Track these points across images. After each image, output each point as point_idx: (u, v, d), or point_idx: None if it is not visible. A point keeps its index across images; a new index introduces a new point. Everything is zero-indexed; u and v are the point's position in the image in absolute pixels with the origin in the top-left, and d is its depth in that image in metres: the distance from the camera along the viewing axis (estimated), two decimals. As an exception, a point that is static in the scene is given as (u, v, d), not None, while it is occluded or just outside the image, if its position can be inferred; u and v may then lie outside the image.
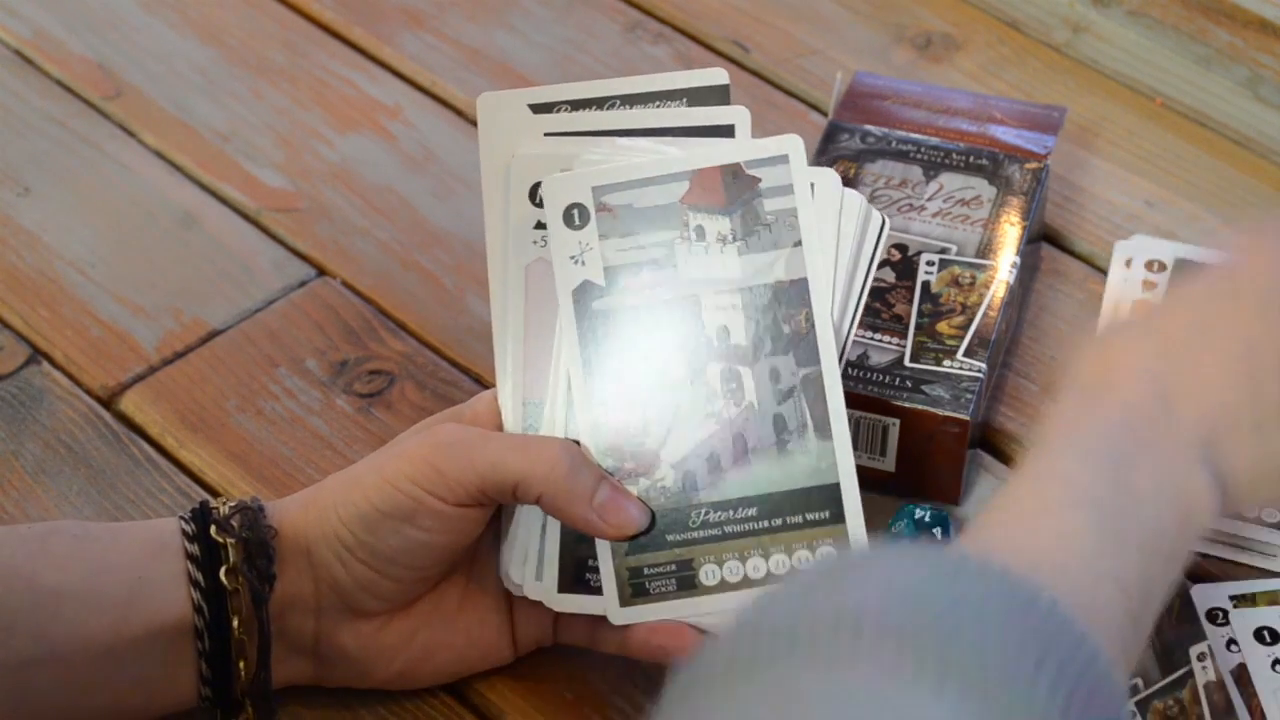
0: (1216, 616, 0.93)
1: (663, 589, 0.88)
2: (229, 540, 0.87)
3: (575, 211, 0.89)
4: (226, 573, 0.86)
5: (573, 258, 0.89)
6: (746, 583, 0.87)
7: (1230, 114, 1.21)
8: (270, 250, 1.14)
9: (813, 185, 0.89)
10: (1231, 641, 0.92)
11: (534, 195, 0.90)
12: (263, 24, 1.28)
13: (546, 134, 0.91)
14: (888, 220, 0.91)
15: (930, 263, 1.05)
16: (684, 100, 0.91)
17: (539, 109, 0.91)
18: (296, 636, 0.88)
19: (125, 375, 1.07)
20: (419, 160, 1.19)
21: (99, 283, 1.12)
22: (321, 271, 1.13)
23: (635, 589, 0.88)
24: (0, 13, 1.27)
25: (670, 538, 0.87)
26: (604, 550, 0.88)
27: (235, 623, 0.86)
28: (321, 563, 0.87)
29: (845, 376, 0.99)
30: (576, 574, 0.89)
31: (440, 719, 0.92)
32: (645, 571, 0.88)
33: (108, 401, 1.06)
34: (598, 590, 0.88)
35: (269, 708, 0.88)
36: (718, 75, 0.92)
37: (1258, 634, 0.92)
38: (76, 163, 1.18)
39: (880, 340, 1.01)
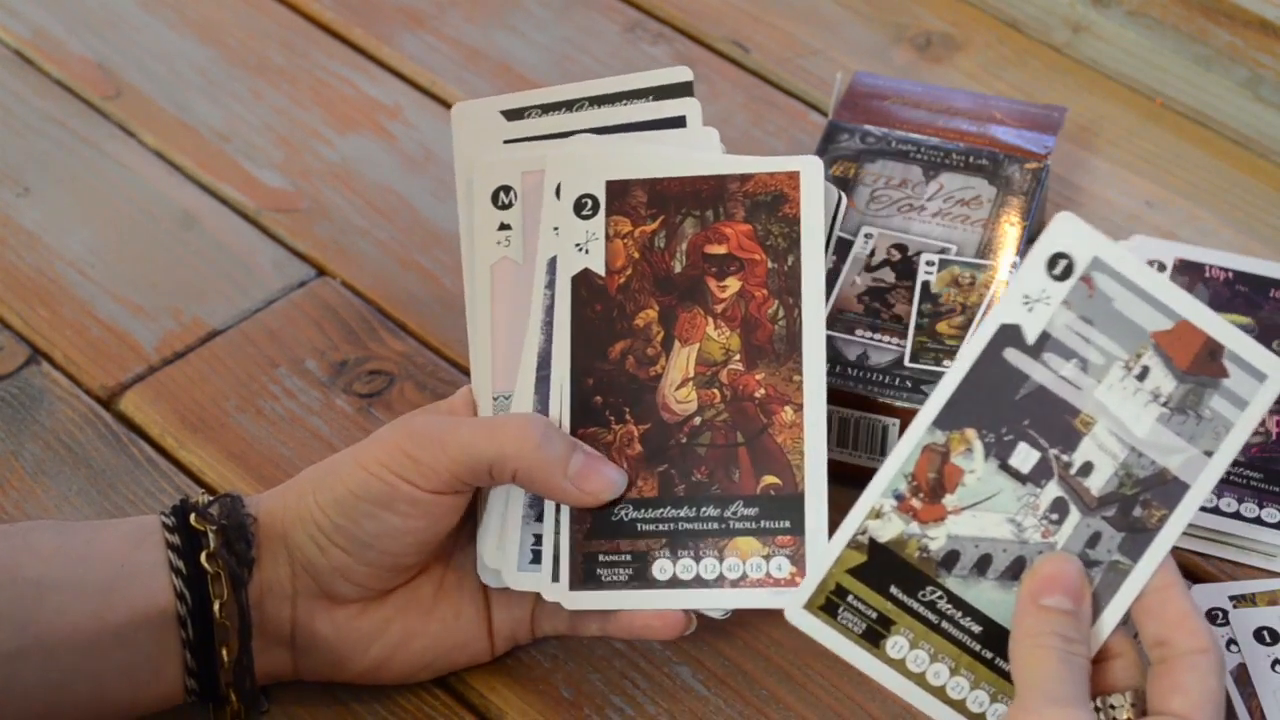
0: (1216, 616, 0.93)
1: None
2: (208, 527, 0.87)
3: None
4: (207, 557, 0.87)
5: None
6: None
7: (1230, 114, 1.21)
8: (270, 250, 1.14)
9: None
10: (1231, 642, 0.92)
11: (496, 199, 0.92)
12: (262, 24, 1.28)
13: (505, 140, 0.93)
14: (844, 197, 0.92)
15: (930, 263, 1.05)
16: (651, 98, 0.93)
17: (511, 115, 0.93)
18: (274, 625, 0.89)
19: (125, 375, 1.07)
20: (419, 160, 1.19)
21: (99, 283, 1.12)
22: (321, 271, 1.13)
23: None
24: (0, 13, 1.27)
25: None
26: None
27: (217, 607, 0.86)
28: (298, 546, 0.88)
29: (845, 376, 1.00)
30: (536, 555, 0.89)
31: (440, 718, 0.92)
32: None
33: (108, 402, 1.06)
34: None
35: (253, 695, 0.88)
36: (682, 73, 0.93)
37: (1257, 634, 0.92)
38: (76, 163, 1.18)
39: (880, 340, 1.01)
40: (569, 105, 0.93)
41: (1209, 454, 0.81)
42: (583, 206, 0.90)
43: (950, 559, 0.83)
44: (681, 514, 0.88)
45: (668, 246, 0.90)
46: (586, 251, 0.89)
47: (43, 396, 1.06)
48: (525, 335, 0.90)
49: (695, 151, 0.92)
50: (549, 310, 0.90)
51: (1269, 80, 1.21)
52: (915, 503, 0.83)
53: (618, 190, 0.90)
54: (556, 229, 0.90)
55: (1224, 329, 0.81)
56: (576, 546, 0.88)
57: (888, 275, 1.04)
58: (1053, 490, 0.82)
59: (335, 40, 1.27)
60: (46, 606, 0.85)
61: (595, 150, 0.91)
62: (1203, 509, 0.99)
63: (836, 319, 1.02)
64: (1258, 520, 0.99)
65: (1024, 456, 0.82)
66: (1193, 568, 0.99)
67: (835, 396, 0.99)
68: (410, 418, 0.90)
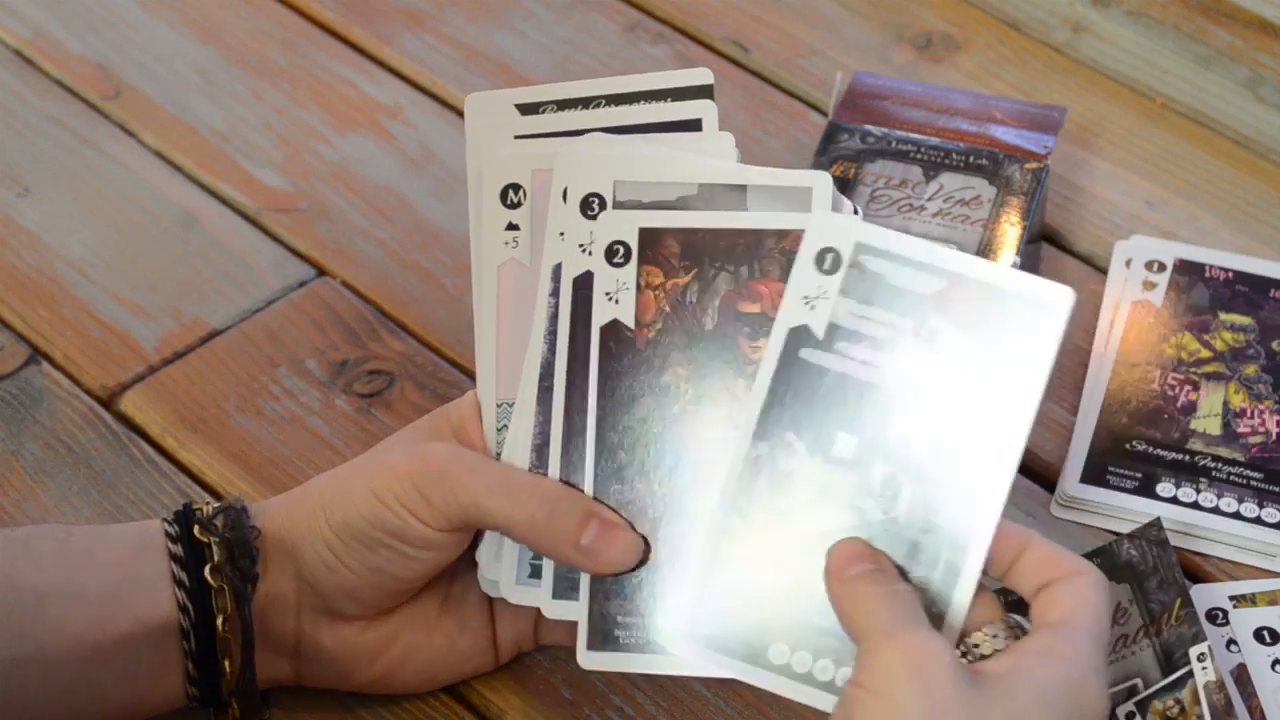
0: (1216, 616, 0.93)
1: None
2: (212, 540, 0.87)
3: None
4: (211, 571, 0.86)
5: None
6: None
7: (1230, 114, 1.21)
8: (270, 250, 1.14)
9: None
10: (1231, 641, 0.92)
11: (505, 197, 0.90)
12: (262, 24, 1.28)
13: (516, 136, 0.91)
14: (858, 208, 0.90)
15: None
16: (669, 99, 0.91)
17: (526, 110, 0.91)
18: (278, 637, 0.88)
19: (125, 375, 1.07)
20: (419, 160, 1.19)
21: (99, 283, 1.12)
22: (321, 271, 1.13)
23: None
24: (0, 13, 1.27)
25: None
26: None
27: (220, 621, 0.86)
28: (306, 564, 0.87)
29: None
30: (534, 570, 0.89)
31: (440, 719, 0.92)
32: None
33: (108, 402, 1.06)
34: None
35: (255, 707, 0.88)
36: (703, 75, 0.91)
37: (1257, 634, 0.92)
38: (76, 163, 1.18)
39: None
40: (585, 102, 0.91)
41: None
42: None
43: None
44: None
45: (699, 301, 0.88)
46: (616, 301, 0.87)
47: (43, 396, 1.06)
48: (529, 344, 0.89)
49: (706, 158, 0.90)
50: (553, 320, 0.89)
51: (1269, 80, 1.21)
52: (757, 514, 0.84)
53: (651, 239, 0.87)
54: (563, 234, 0.89)
55: (1001, 273, 0.82)
56: (595, 606, 0.87)
57: (888, 275, 1.04)
58: (881, 468, 0.83)
59: (335, 40, 1.27)
60: (47, 616, 0.85)
61: (603, 151, 0.89)
62: (1202, 509, 0.99)
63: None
64: (1258, 520, 0.99)
65: (844, 444, 0.83)
66: (1193, 568, 0.99)
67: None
68: (425, 449, 0.88)
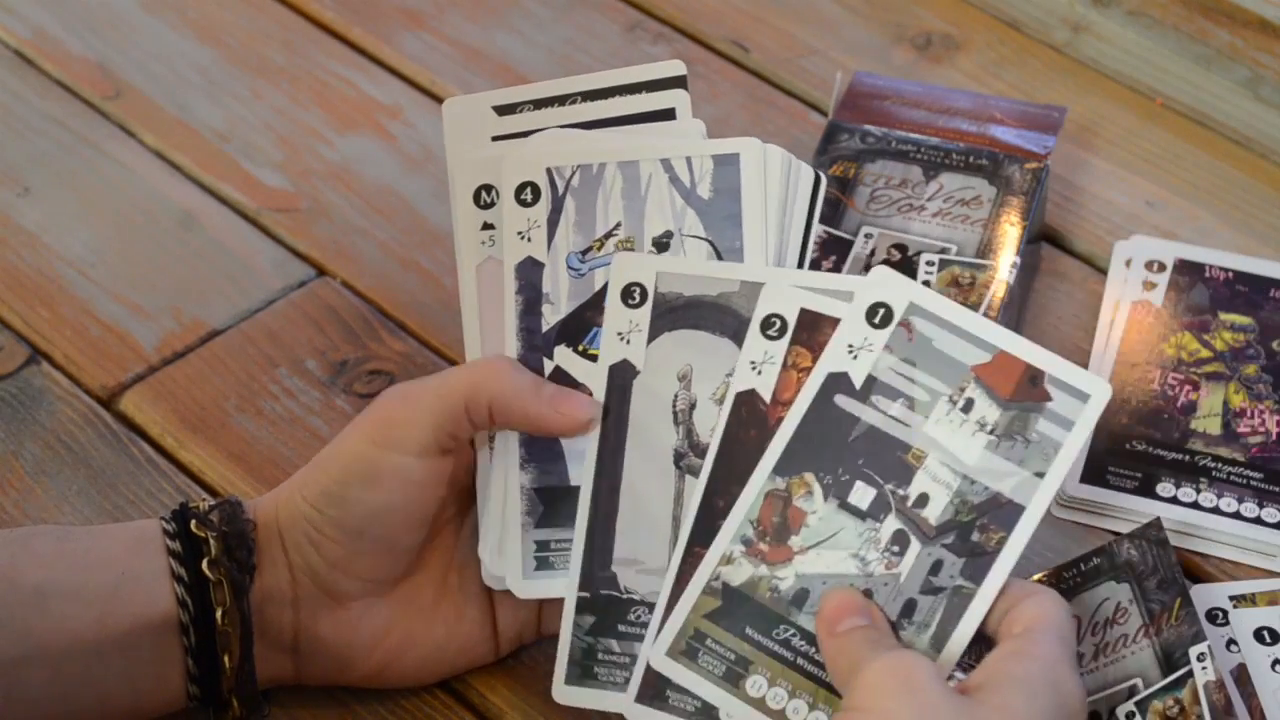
0: (1216, 616, 0.93)
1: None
2: (209, 534, 0.87)
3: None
4: (208, 565, 0.87)
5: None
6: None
7: (1230, 114, 1.21)
8: (270, 250, 1.14)
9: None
10: (1231, 641, 0.92)
11: (478, 198, 0.92)
12: (262, 24, 1.28)
13: (494, 137, 0.92)
14: (822, 176, 0.91)
15: (930, 263, 1.05)
16: (643, 92, 0.92)
17: (503, 111, 0.93)
18: (276, 631, 0.89)
19: (125, 375, 1.07)
20: (419, 160, 1.19)
21: (99, 283, 1.12)
22: (321, 271, 1.13)
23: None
24: (0, 13, 1.27)
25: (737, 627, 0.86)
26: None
27: (219, 614, 0.86)
28: (294, 547, 0.88)
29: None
30: (541, 562, 0.89)
31: (439, 718, 0.92)
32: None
33: (108, 402, 1.06)
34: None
35: (255, 703, 0.88)
36: (674, 67, 0.93)
37: (1257, 634, 0.92)
38: (76, 163, 1.18)
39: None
40: (561, 100, 0.93)
41: (1040, 475, 0.83)
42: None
43: (800, 597, 0.85)
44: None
45: None
46: (759, 373, 0.87)
47: (43, 396, 1.06)
48: (504, 340, 0.90)
49: (634, 135, 0.91)
50: (522, 316, 0.90)
51: (1269, 80, 1.21)
52: (763, 546, 0.85)
53: (809, 322, 0.87)
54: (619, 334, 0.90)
55: (1041, 355, 0.84)
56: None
57: (888, 275, 1.04)
58: (892, 524, 0.84)
59: (335, 40, 1.27)
60: (47, 614, 0.85)
61: (542, 144, 0.91)
62: (1202, 509, 0.99)
63: (836, 319, 1.02)
64: (1258, 520, 0.99)
65: (861, 494, 0.85)
66: (1193, 568, 0.99)
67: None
68: (381, 393, 0.90)
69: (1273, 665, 0.91)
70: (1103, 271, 1.11)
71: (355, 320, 1.10)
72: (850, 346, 0.86)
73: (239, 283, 1.12)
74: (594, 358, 0.89)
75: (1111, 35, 1.25)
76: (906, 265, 1.05)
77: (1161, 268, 1.09)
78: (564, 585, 0.88)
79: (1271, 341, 1.06)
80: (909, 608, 0.83)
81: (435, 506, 0.88)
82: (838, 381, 0.85)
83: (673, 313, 0.88)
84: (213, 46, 1.26)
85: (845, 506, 0.85)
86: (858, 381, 0.85)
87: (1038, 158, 1.10)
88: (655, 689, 0.86)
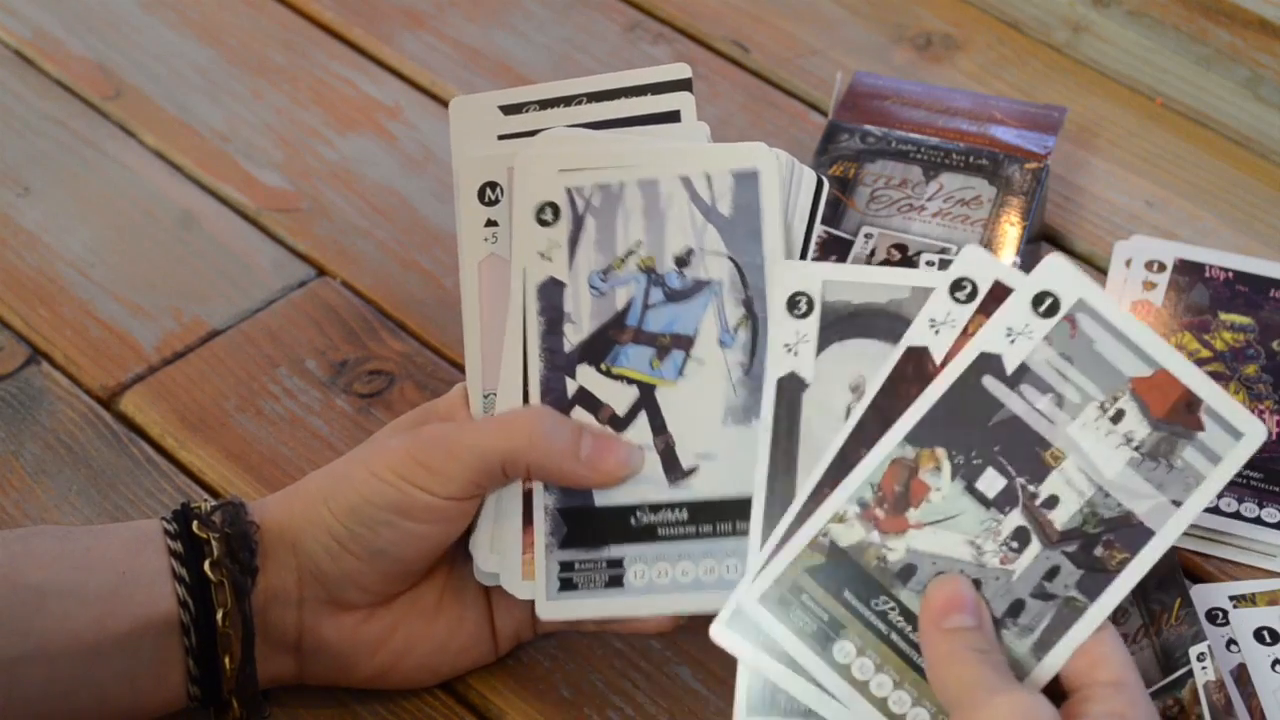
0: (1216, 616, 0.93)
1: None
2: (211, 535, 0.87)
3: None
4: (210, 566, 0.87)
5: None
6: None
7: (1230, 114, 1.21)
8: (270, 250, 1.14)
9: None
10: (1231, 641, 0.92)
11: (482, 195, 0.91)
12: (263, 24, 1.28)
13: (500, 136, 0.92)
14: (825, 180, 0.90)
15: (930, 263, 1.05)
16: (649, 94, 0.92)
17: (509, 110, 0.93)
18: (279, 632, 0.89)
19: (125, 375, 1.07)
20: (419, 160, 1.19)
21: (99, 283, 1.12)
22: (321, 271, 1.13)
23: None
24: (0, 13, 1.27)
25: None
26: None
27: (220, 615, 0.86)
28: (307, 554, 0.87)
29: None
30: (565, 583, 0.89)
31: (439, 718, 0.92)
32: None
33: (108, 402, 1.06)
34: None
35: (256, 703, 0.88)
36: (680, 70, 0.93)
37: (1257, 634, 0.92)
38: (76, 163, 1.18)
39: (880, 340, 1.01)
40: (567, 101, 0.93)
41: (1177, 503, 0.82)
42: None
43: (907, 572, 0.83)
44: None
45: None
46: (937, 332, 0.85)
47: (43, 396, 1.06)
48: (506, 335, 0.90)
49: (653, 139, 0.91)
50: (544, 337, 0.90)
51: (1269, 80, 1.21)
52: (879, 512, 0.83)
53: (1000, 295, 0.86)
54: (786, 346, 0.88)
55: (1204, 383, 0.82)
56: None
57: (888, 275, 1.04)
58: (1016, 518, 0.83)
59: (335, 40, 1.27)
60: (47, 613, 0.85)
61: (554, 148, 0.90)
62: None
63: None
64: (1258, 520, 0.99)
65: (991, 481, 0.83)
66: (1193, 568, 0.99)
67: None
68: (413, 421, 0.90)
69: (1273, 665, 0.91)
70: (1103, 271, 1.11)
71: (355, 320, 1.10)
72: (1009, 330, 0.83)
73: (239, 283, 1.12)
74: (617, 377, 0.89)
75: (1111, 35, 1.25)
76: (906, 265, 1.05)
77: (1161, 268, 1.09)
78: (592, 606, 0.88)
79: (1271, 341, 1.06)
80: (1016, 608, 0.82)
81: (458, 536, 0.88)
82: (989, 362, 0.83)
83: (841, 322, 0.86)
84: (213, 46, 1.26)
85: (971, 490, 0.83)
86: (1010, 367, 0.83)
87: (1038, 158, 1.10)
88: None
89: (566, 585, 0.88)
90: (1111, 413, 0.82)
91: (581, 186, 0.90)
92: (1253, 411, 1.02)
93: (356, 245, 1.14)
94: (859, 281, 0.86)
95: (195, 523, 0.88)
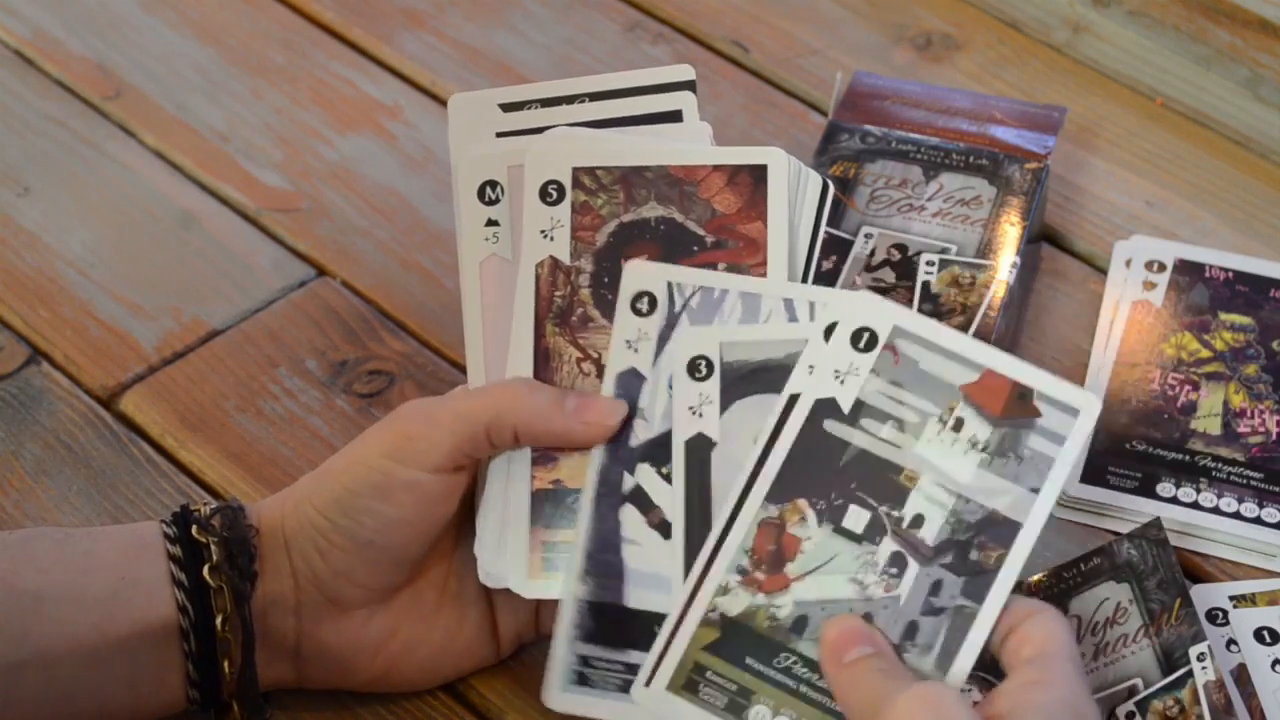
0: (1216, 616, 0.93)
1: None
2: (210, 540, 0.87)
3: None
4: (210, 571, 0.86)
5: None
6: None
7: (1230, 114, 1.21)
8: (270, 250, 1.14)
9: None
10: (1231, 641, 0.92)
11: (482, 194, 0.91)
12: (262, 24, 1.28)
13: (499, 134, 0.92)
14: (830, 184, 0.91)
15: (930, 263, 1.05)
16: (650, 94, 0.92)
17: (509, 108, 0.92)
18: (278, 637, 0.88)
19: (125, 375, 1.07)
20: (419, 160, 1.19)
21: (99, 283, 1.12)
22: (321, 271, 1.13)
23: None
24: (0, 13, 1.27)
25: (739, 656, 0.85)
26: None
27: (219, 621, 0.86)
28: (300, 554, 0.87)
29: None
30: (579, 677, 0.89)
31: (440, 719, 0.92)
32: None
33: (108, 402, 1.06)
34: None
35: (257, 708, 0.88)
36: (683, 71, 0.93)
37: (1257, 634, 0.92)
38: (76, 163, 1.18)
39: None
40: (567, 100, 0.93)
41: (1035, 490, 0.83)
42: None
43: (800, 624, 0.84)
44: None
45: None
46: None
47: (43, 396, 1.06)
48: (511, 336, 0.90)
49: (664, 139, 0.91)
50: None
51: (1269, 80, 1.21)
52: (759, 575, 0.85)
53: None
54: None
55: (1029, 372, 0.84)
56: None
57: (888, 275, 1.04)
58: (888, 545, 0.84)
59: (335, 40, 1.27)
60: (46, 618, 0.85)
61: (564, 142, 0.91)
62: (1202, 509, 0.99)
63: (836, 319, 1.01)
64: (1258, 520, 0.99)
65: (856, 518, 0.84)
66: (1193, 568, 0.99)
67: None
68: (398, 408, 0.90)
69: (1273, 665, 0.91)
70: (1103, 271, 1.11)
71: (355, 320, 1.10)
72: (836, 372, 0.85)
73: (239, 283, 1.12)
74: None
75: (1111, 35, 1.25)
76: (906, 265, 1.05)
77: (1161, 268, 1.09)
78: (604, 708, 0.87)
79: (1271, 341, 1.06)
80: (911, 629, 0.83)
81: (446, 520, 0.88)
82: (826, 407, 0.85)
83: (742, 380, 0.87)
84: (213, 46, 1.26)
85: (840, 531, 0.84)
86: (846, 406, 0.85)
87: (1038, 158, 1.10)
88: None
89: (581, 680, 0.88)
90: (951, 423, 0.84)
91: (683, 284, 0.89)
92: (1253, 412, 1.03)
93: (356, 245, 1.14)
94: (756, 340, 0.88)
95: (194, 527, 0.88)
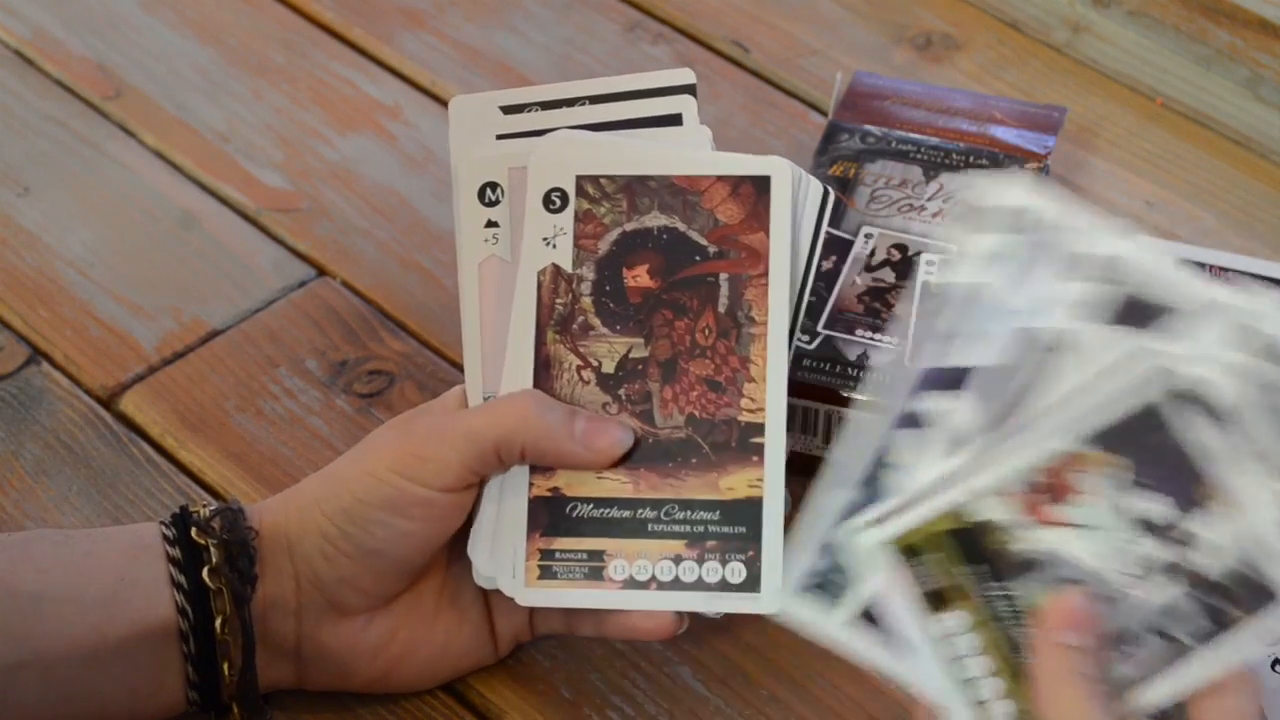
0: (1217, 617, 0.93)
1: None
2: (210, 542, 0.87)
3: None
4: (209, 573, 0.86)
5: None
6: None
7: (1230, 114, 1.21)
8: (270, 250, 1.14)
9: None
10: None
11: (482, 195, 0.91)
12: (263, 24, 1.28)
13: (499, 136, 0.92)
14: (831, 191, 0.91)
15: (931, 263, 1.05)
16: (652, 98, 0.92)
17: (509, 110, 0.93)
18: (278, 639, 0.88)
19: (125, 375, 1.07)
20: (419, 160, 1.19)
21: (99, 283, 1.12)
22: (321, 271, 1.13)
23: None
24: (0, 13, 1.27)
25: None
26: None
27: (219, 623, 0.86)
28: (303, 559, 0.87)
29: (844, 376, 1.00)
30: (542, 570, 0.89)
31: (440, 718, 0.92)
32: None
33: (108, 401, 1.06)
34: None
35: (257, 709, 0.88)
36: (684, 75, 0.93)
37: (1258, 634, 0.91)
38: (76, 163, 1.18)
39: (881, 340, 1.01)
40: (568, 102, 0.93)
41: None
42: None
43: (1031, 566, 0.81)
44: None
45: None
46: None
47: (43, 396, 1.06)
48: (511, 343, 0.90)
49: (669, 145, 0.91)
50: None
51: (1269, 80, 1.21)
52: (1026, 499, 0.81)
53: None
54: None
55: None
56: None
57: (888, 275, 1.04)
58: (1160, 549, 0.80)
59: (335, 40, 1.27)
60: (45, 620, 0.85)
61: (567, 146, 0.91)
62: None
63: (836, 319, 1.02)
64: None
65: (1148, 504, 0.80)
66: (1193, 568, 0.99)
67: (834, 398, 0.99)
68: (407, 420, 0.90)
69: (1273, 665, 0.91)
70: (1103, 271, 1.11)
71: (355, 320, 1.10)
72: (1216, 361, 0.78)
73: (239, 283, 1.12)
74: None
75: (1111, 35, 1.25)
76: (906, 265, 1.05)
77: (1161, 268, 1.09)
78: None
79: (1271, 341, 1.06)
80: (1127, 635, 0.80)
81: (453, 532, 0.88)
82: (1199, 398, 0.79)
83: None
84: (213, 46, 1.26)
85: (1122, 506, 0.80)
86: (1220, 402, 0.78)
87: (1038, 158, 1.10)
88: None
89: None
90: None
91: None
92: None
93: (356, 245, 1.14)
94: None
95: (194, 529, 0.87)
